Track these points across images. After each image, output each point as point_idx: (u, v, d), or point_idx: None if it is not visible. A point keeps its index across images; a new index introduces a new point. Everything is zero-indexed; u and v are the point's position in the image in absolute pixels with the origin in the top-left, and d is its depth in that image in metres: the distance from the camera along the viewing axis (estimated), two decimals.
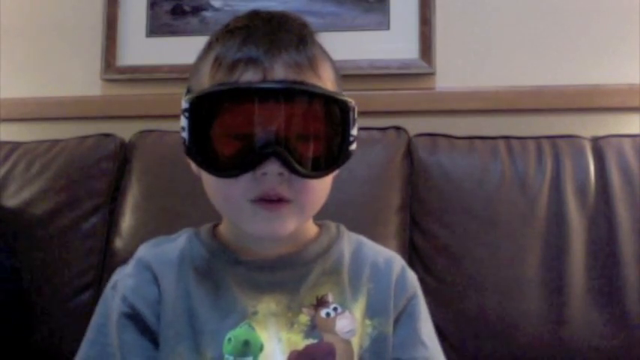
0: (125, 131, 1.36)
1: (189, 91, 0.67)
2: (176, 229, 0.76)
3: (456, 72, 1.40)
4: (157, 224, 1.20)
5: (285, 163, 0.60)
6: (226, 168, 0.62)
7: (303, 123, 0.62)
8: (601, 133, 1.22)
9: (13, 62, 1.54)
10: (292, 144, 0.61)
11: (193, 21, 1.48)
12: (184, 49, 1.43)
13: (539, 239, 1.11)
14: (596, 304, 1.07)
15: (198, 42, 0.70)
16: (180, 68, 1.42)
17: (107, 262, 1.22)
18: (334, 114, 0.63)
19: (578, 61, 1.37)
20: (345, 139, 0.64)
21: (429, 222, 1.17)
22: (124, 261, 0.72)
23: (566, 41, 1.38)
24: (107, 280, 0.72)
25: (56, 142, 1.34)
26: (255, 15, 0.67)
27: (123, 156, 1.31)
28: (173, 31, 1.48)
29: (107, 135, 1.34)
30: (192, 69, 0.69)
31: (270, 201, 0.62)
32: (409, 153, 1.23)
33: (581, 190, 1.13)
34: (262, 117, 0.60)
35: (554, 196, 1.13)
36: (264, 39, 0.62)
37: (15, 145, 1.35)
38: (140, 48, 1.50)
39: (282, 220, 0.64)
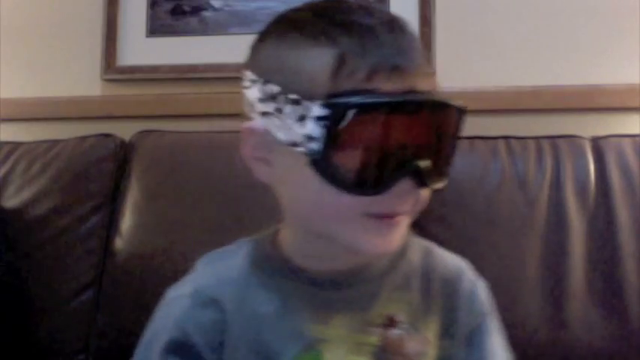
0: (125, 131, 1.36)
1: (284, 89, 0.55)
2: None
3: (456, 72, 1.40)
4: (157, 224, 1.20)
5: (421, 181, 0.55)
6: (362, 185, 0.54)
7: (440, 137, 0.57)
8: (601, 133, 1.22)
9: (13, 62, 1.54)
10: (428, 159, 0.55)
11: (193, 21, 1.47)
12: (184, 49, 1.46)
13: (539, 239, 1.11)
14: (596, 304, 1.07)
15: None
16: (180, 68, 1.42)
17: (107, 262, 1.22)
18: (459, 124, 0.59)
19: (577, 61, 1.37)
20: (456, 146, 0.59)
21: (428, 222, 1.17)
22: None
23: (566, 41, 1.38)
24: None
25: (56, 142, 1.34)
26: (362, 10, 0.57)
27: (123, 156, 1.31)
28: (173, 31, 1.48)
29: (107, 135, 1.34)
30: (281, 62, 0.57)
31: (390, 216, 0.57)
32: None
33: (581, 190, 1.13)
34: (408, 132, 0.54)
35: (554, 196, 1.13)
36: (395, 42, 0.55)
37: (15, 146, 1.35)
38: (140, 48, 1.49)
39: (395, 235, 0.58)
